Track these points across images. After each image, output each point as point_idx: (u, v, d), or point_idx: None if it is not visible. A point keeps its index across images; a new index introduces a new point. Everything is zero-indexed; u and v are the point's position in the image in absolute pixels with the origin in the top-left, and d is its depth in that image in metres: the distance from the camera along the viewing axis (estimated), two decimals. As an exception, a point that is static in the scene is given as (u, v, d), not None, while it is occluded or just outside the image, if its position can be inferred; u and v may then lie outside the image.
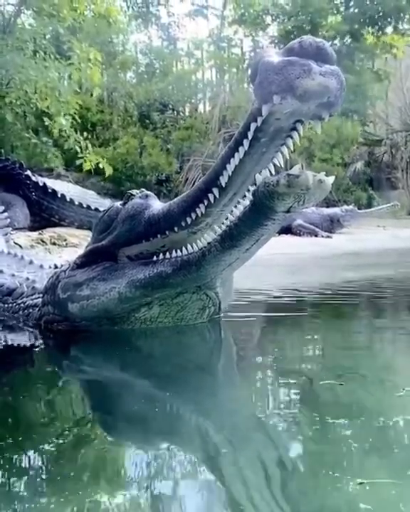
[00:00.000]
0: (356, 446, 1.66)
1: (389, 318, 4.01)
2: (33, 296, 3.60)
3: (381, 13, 21.65)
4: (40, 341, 3.27)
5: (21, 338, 3.36)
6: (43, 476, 1.53)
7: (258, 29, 22.53)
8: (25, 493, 1.43)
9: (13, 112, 11.14)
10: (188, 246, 2.74)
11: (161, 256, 2.86)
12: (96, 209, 9.94)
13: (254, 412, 2.04)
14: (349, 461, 1.55)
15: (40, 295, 3.45)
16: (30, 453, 1.68)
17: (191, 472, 1.56)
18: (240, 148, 2.38)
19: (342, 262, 9.22)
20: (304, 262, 8.97)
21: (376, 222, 15.15)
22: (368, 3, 22.03)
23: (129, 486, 1.46)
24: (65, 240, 9.05)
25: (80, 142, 10.90)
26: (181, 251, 2.76)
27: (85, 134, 11.37)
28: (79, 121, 11.58)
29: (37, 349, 3.16)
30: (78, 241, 8.77)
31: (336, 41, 21.71)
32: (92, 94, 13.24)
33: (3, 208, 7.62)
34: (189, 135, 17.02)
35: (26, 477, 1.52)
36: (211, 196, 2.57)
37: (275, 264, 7.80)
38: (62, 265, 3.58)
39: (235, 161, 2.42)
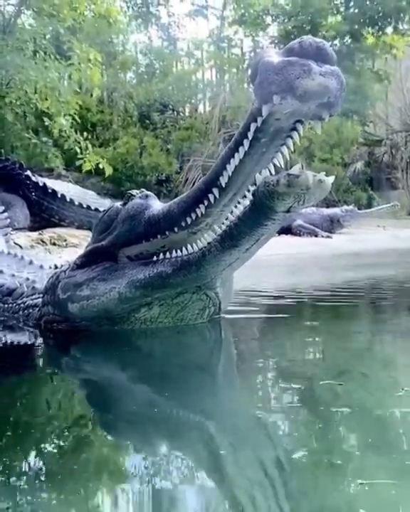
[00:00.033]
0: (356, 446, 1.67)
1: (389, 319, 4.00)
2: (33, 297, 3.60)
3: (381, 14, 21.67)
4: (40, 341, 3.27)
5: (21, 338, 3.36)
6: (43, 476, 1.52)
7: (258, 29, 22.55)
8: (24, 493, 1.43)
9: (13, 112, 11.14)
10: (188, 246, 2.73)
11: (161, 256, 2.86)
12: (96, 209, 9.94)
13: (254, 411, 2.04)
14: (349, 462, 1.55)
15: (40, 295, 3.46)
16: (30, 453, 1.68)
17: (190, 472, 1.56)
18: (240, 149, 2.38)
19: (342, 262, 9.22)
20: (304, 262, 8.98)
21: (376, 223, 15.15)
22: (368, 3, 22.05)
23: (129, 486, 1.46)
24: (65, 240, 9.05)
25: (80, 142, 10.91)
26: (181, 251, 2.76)
27: (85, 134, 11.37)
28: (79, 121, 11.59)
29: (37, 349, 3.16)
30: (78, 241, 8.78)
31: (336, 41, 21.74)
32: (92, 95, 13.24)
33: (3, 208, 7.62)
34: (189, 135, 17.04)
35: (25, 477, 1.51)
36: (211, 196, 2.57)
37: (275, 265, 7.80)
38: (62, 265, 3.58)
39: (235, 161, 2.42)
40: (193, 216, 2.66)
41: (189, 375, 2.54)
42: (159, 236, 2.84)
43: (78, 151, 10.89)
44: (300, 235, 12.58)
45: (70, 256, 5.29)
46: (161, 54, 21.13)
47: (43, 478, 1.51)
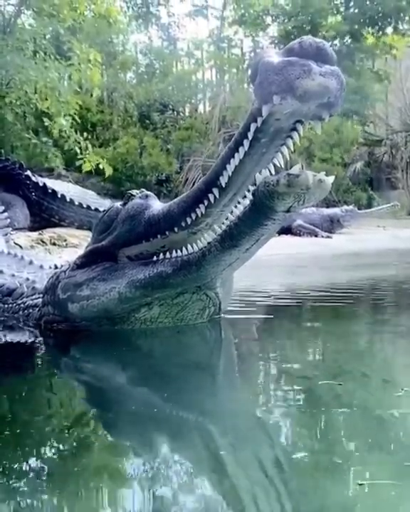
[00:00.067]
0: (356, 446, 1.67)
1: (389, 319, 4.00)
2: (33, 297, 3.60)
3: (381, 14, 21.66)
4: (40, 341, 3.27)
5: (21, 338, 3.36)
6: (43, 476, 1.52)
7: (258, 29, 22.54)
8: (24, 493, 1.43)
9: (13, 112, 11.14)
10: (189, 246, 2.74)
11: (161, 256, 2.86)
12: (96, 209, 9.94)
13: (254, 411, 2.04)
14: (349, 462, 1.55)
15: (40, 295, 3.46)
16: (30, 453, 1.68)
17: (190, 472, 1.56)
18: (240, 149, 2.38)
19: (342, 262, 9.22)
20: (304, 262, 8.97)
21: (376, 223, 15.15)
22: (368, 3, 22.04)
23: (129, 486, 1.46)
24: (65, 241, 9.05)
25: (80, 142, 10.90)
26: (181, 251, 2.76)
27: (85, 134, 11.37)
28: (79, 121, 11.59)
29: (37, 349, 3.16)
30: (78, 241, 8.77)
31: (336, 41, 21.72)
32: (92, 95, 13.23)
33: (3, 208, 7.62)
34: (189, 135, 17.03)
35: (25, 476, 1.52)
36: (211, 196, 2.57)
37: (275, 265, 7.80)
38: (62, 265, 3.58)
39: (235, 161, 2.42)
40: (193, 216, 2.66)
41: (189, 375, 2.54)
42: (159, 236, 2.84)
43: (78, 151, 10.88)
44: (300, 235, 12.58)
45: (70, 256, 5.29)
46: (161, 54, 21.12)
47: (43, 478, 1.51)
